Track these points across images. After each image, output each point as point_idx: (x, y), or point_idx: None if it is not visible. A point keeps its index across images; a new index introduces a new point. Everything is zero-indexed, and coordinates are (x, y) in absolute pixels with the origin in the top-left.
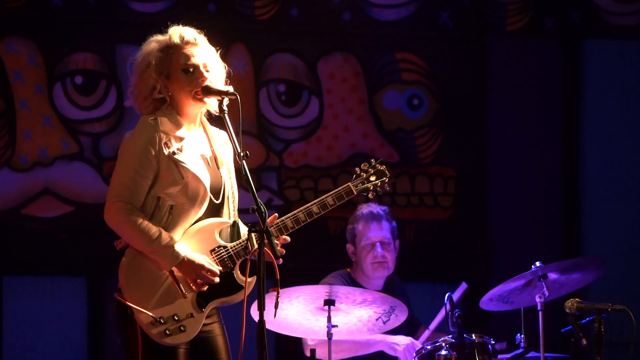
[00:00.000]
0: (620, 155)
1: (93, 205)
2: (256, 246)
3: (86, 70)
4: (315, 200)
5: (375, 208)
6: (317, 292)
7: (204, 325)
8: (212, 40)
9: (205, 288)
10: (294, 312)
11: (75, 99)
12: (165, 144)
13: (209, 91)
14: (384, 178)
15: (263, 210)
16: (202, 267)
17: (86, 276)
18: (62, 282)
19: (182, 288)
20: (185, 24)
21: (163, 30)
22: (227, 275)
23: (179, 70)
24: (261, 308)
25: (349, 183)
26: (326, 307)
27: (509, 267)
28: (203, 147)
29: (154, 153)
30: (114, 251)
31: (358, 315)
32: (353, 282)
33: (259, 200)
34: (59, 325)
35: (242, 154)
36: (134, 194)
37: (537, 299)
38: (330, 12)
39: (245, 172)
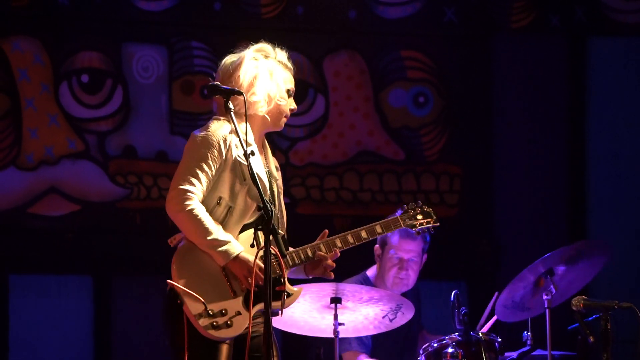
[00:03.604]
0: (626, 152)
1: (99, 204)
2: (262, 244)
3: (92, 68)
4: (365, 226)
5: None
6: (324, 290)
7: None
8: (218, 39)
9: (254, 290)
10: (301, 310)
11: (81, 97)
12: (236, 145)
13: (215, 90)
14: (429, 219)
15: (269, 208)
16: (256, 265)
17: (92, 275)
18: (68, 280)
19: (233, 286)
20: (191, 22)
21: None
22: (275, 281)
23: (285, 89)
24: (267, 306)
25: (398, 216)
26: (333, 305)
27: (514, 264)
28: (263, 160)
29: (224, 151)
30: (120, 250)
31: (364, 313)
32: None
33: (265, 199)
34: (65, 323)
35: (247, 152)
36: (197, 185)
37: (544, 297)
38: (336, 10)
39: (251, 170)
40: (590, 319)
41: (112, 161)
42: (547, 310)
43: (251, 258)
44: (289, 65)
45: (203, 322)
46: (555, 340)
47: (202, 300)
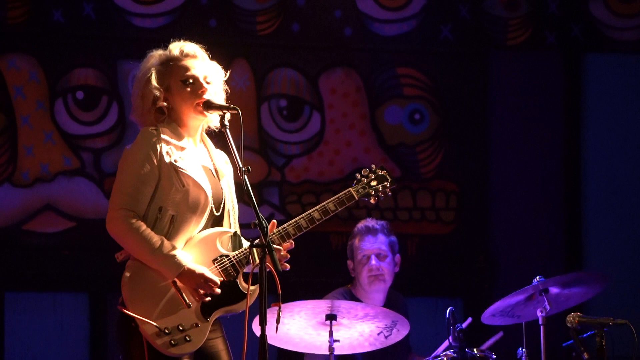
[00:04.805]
0: (622, 169)
1: (95, 221)
2: (257, 261)
3: (87, 86)
4: (317, 207)
5: (371, 222)
6: (319, 306)
7: (208, 340)
8: (214, 56)
9: (208, 299)
10: (296, 326)
11: (77, 114)
12: (167, 152)
13: (210, 106)
14: (385, 183)
15: (264, 225)
16: (202, 276)
17: (88, 292)
18: (64, 297)
19: (186, 298)
20: (186, 39)
21: (163, 45)
22: (230, 284)
23: (178, 82)
24: (263, 323)
25: (350, 188)
26: (328, 322)
27: (511, 281)
28: (204, 159)
29: (155, 161)
30: (116, 266)
31: (360, 329)
32: (353, 299)
33: (260, 215)
34: (61, 340)
35: (243, 169)
36: (136, 201)
37: (539, 313)
38: (332, 27)
39: (247, 187)
40: (585, 335)
41: (108, 178)
42: (541, 327)
43: (199, 268)
44: (186, 51)
45: (161, 341)
46: (550, 357)
47: (154, 323)
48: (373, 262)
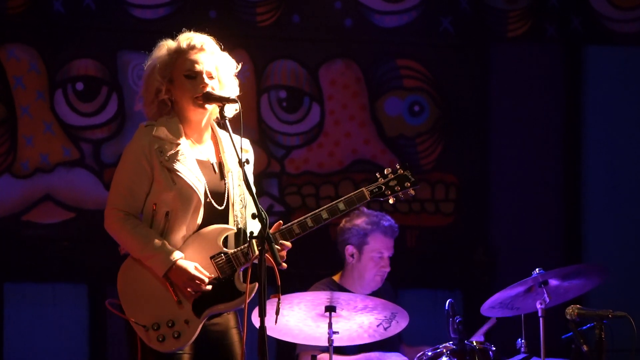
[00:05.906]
0: (622, 161)
1: (94, 212)
2: (257, 252)
3: (87, 76)
4: (326, 206)
5: (393, 222)
6: (318, 298)
7: (223, 331)
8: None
9: (198, 295)
10: (295, 318)
11: (77, 105)
12: (159, 149)
13: (209, 97)
14: (407, 183)
15: (264, 216)
16: (188, 274)
17: (87, 283)
18: (63, 288)
19: (178, 294)
20: (186, 30)
21: (174, 35)
22: (226, 281)
23: (181, 76)
24: (262, 314)
25: (364, 188)
26: (327, 314)
27: (510, 273)
28: (207, 153)
29: (146, 160)
30: (116, 258)
31: (359, 321)
32: (339, 289)
33: (260, 206)
34: (60, 331)
35: (243, 161)
36: (128, 201)
37: (538, 305)
38: (332, 19)
39: (246, 179)
40: (584, 327)
41: (107, 169)
42: (541, 319)
43: (187, 264)
44: (193, 43)
45: (148, 336)
46: (549, 349)
47: (133, 319)
48: (388, 268)
